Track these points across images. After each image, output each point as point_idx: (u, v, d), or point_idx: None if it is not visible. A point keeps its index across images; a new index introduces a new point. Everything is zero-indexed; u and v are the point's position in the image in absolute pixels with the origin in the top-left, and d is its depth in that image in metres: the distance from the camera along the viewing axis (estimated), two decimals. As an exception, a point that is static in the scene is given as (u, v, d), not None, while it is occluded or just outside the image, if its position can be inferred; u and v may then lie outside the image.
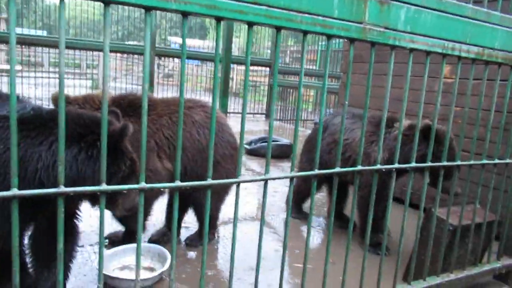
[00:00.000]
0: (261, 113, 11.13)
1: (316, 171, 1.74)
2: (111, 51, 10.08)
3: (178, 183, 1.45)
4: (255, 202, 4.37)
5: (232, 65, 12.20)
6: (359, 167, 1.84)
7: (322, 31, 1.57)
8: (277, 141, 6.61)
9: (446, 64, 2.02)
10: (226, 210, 3.85)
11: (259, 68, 11.83)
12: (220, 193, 3.00)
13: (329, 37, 1.62)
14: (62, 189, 1.22)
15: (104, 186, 1.29)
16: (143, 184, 1.38)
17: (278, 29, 1.50)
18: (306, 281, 1.77)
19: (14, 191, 1.15)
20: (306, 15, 1.52)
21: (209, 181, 1.51)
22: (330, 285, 1.96)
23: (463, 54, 1.97)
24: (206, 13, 1.33)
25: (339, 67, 10.16)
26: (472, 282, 2.57)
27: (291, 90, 10.57)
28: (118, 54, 11.79)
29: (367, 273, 1.96)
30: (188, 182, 1.50)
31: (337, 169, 1.80)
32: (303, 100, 11.23)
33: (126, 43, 12.76)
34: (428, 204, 2.53)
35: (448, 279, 2.34)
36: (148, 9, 1.25)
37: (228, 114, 6.83)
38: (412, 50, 1.82)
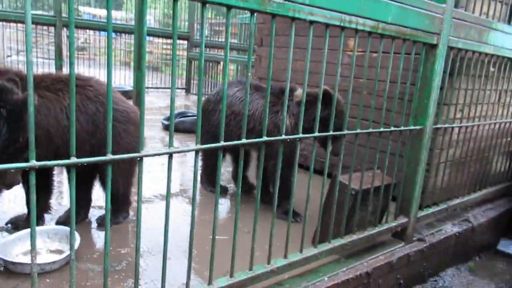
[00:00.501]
0: (181, 88, 10.89)
1: (222, 143, 1.76)
2: (12, 21, 9.18)
3: (74, 159, 1.38)
4: (173, 177, 4.32)
5: (150, 38, 11.73)
6: (265, 138, 1.89)
7: (220, 1, 1.56)
8: (195, 116, 6.55)
9: (351, 37, 2.12)
10: (147, 187, 3.78)
11: (178, 41, 11.48)
12: (127, 168, 2.91)
13: (229, 8, 1.62)
14: None
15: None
16: (33, 162, 1.29)
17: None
18: (216, 252, 1.81)
19: None
20: (205, -16, 1.49)
21: (109, 157, 1.46)
22: (242, 253, 2.02)
23: (360, 27, 2.07)
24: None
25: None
26: (373, 241, 2.80)
27: (212, 64, 10.45)
28: (20, 25, 10.73)
29: (278, 240, 2.05)
30: (87, 158, 1.44)
31: (244, 141, 1.83)
32: (223, 74, 11.17)
33: (32, 12, 11.65)
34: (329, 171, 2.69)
35: (350, 240, 2.53)
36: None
37: (146, 90, 6.58)
38: (311, 22, 1.88)
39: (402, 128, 2.65)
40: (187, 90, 10.76)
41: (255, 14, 1.74)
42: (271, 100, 3.15)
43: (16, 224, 2.80)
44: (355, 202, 2.54)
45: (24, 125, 1.95)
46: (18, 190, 2.52)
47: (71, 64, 1.33)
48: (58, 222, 2.85)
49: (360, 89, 3.67)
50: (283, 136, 1.98)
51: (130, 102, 3.05)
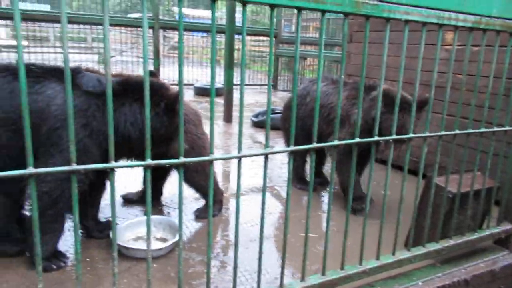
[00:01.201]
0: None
1: (315, 144, 1.81)
2: (114, 24, 10.08)
3: (182, 159, 1.52)
4: (260, 172, 4.46)
5: (237, 36, 12.10)
6: (358, 140, 1.89)
7: (316, 7, 1.59)
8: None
9: (449, 31, 2.03)
10: (233, 184, 3.96)
11: (265, 38, 11.69)
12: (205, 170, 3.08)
13: (323, 12, 1.65)
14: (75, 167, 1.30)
15: (112, 163, 1.36)
16: (149, 161, 1.45)
17: (272, 6, 1.54)
18: (308, 250, 1.87)
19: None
20: (300, -9, 1.54)
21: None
22: (332, 252, 2.05)
23: (460, 24, 1.97)
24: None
25: (346, 35, 10.01)
26: (471, 247, 2.65)
27: (299, 60, 10.50)
28: (123, 27, 11.71)
29: (368, 240, 2.05)
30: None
31: (335, 142, 1.85)
32: (310, 70, 11.15)
33: (129, 16, 12.67)
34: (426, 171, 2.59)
35: (447, 245, 2.42)
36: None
37: (235, 87, 6.84)
38: (407, 21, 1.84)
39: (508, 128, 2.46)
40: (274, 86, 10.92)
41: (348, 17, 1.75)
42: (351, 94, 3.35)
43: (127, 199, 3.33)
44: (452, 206, 2.43)
45: (174, 116, 2.45)
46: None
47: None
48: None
49: (458, 86, 3.47)
50: (376, 138, 1.96)
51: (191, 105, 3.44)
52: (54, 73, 2.31)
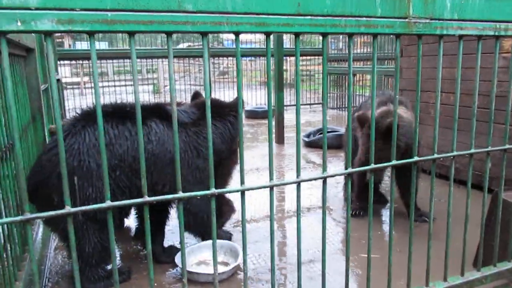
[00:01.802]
0: (318, 103, 11.09)
1: (372, 166, 1.80)
2: (165, 56, 10.58)
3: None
4: (318, 195, 4.44)
5: (285, 57, 12.28)
6: (417, 158, 1.88)
7: (367, 31, 1.63)
8: (335, 131, 6.61)
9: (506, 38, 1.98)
10: (289, 205, 3.99)
11: (313, 57, 11.75)
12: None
13: (374, 35, 1.68)
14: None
15: (180, 194, 1.45)
16: (213, 190, 1.52)
17: (323, 35, 1.59)
18: (371, 271, 1.85)
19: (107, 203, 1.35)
20: (350, 18, 1.58)
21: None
22: (397, 273, 2.01)
23: (518, 34, 1.92)
24: (255, 30, 1.45)
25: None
26: (548, 264, 2.49)
27: (347, 77, 10.44)
28: (175, 58, 12.26)
29: (432, 261, 1.99)
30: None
31: (394, 162, 1.85)
32: (360, 85, 11.03)
33: (180, 45, 13.25)
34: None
35: (520, 263, 2.29)
36: (204, 34, 1.40)
37: (286, 108, 6.93)
38: (461, 36, 1.82)
39: None
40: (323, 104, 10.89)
41: (400, 38, 1.76)
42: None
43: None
44: (523, 222, 2.30)
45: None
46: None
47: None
48: None
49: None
50: (435, 155, 1.93)
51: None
52: (152, 112, 2.64)
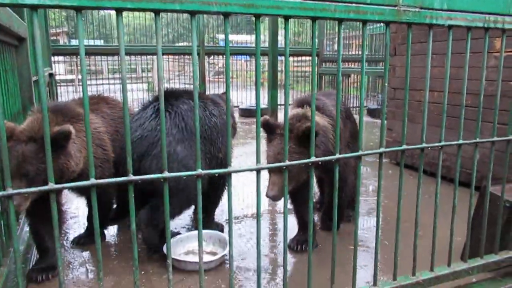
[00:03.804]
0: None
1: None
2: (163, 53, 10.57)
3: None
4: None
5: (280, 57, 12.30)
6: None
7: (357, 17, 1.63)
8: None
9: (497, 37, 1.99)
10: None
11: (307, 57, 11.77)
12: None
13: (364, 22, 1.68)
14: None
15: (166, 173, 1.44)
16: (199, 171, 1.51)
17: (313, 19, 1.59)
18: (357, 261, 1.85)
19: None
20: (340, 3, 1.59)
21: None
22: (383, 263, 2.02)
23: (507, 26, 1.94)
24: (245, 12, 1.45)
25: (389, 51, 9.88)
26: (535, 259, 2.50)
27: (342, 77, 10.46)
28: (170, 56, 12.25)
29: (420, 252, 2.00)
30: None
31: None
32: (355, 87, 11.07)
33: (177, 44, 13.24)
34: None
35: (507, 256, 2.30)
36: (193, 13, 1.39)
37: (279, 107, 6.94)
38: (450, 27, 1.83)
39: None
40: (318, 105, 10.90)
41: (390, 25, 1.77)
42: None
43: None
44: (510, 216, 2.32)
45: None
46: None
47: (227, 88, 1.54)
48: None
49: (510, 93, 3.34)
50: (424, 145, 1.93)
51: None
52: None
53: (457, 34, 1.88)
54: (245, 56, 13.80)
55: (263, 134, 2.64)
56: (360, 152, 1.76)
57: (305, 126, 2.51)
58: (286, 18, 1.55)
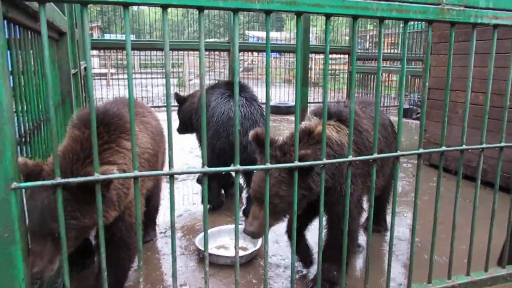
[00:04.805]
0: (342, 102, 11.01)
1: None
2: (191, 49, 10.70)
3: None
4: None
5: (310, 55, 12.21)
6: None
7: (399, 16, 1.61)
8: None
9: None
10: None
11: (338, 55, 11.67)
12: None
13: (406, 21, 1.66)
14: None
15: (206, 168, 1.47)
16: (238, 166, 1.53)
17: (354, 18, 1.58)
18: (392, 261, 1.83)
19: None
20: (382, 2, 1.57)
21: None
22: (418, 265, 1.99)
23: (556, 26, 1.86)
24: (287, 10, 1.46)
25: (422, 49, 9.67)
26: None
27: (372, 76, 10.30)
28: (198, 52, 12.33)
29: (457, 256, 1.96)
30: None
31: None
32: (385, 86, 10.90)
33: (207, 40, 13.35)
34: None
35: (547, 263, 2.23)
36: (235, 11, 1.41)
37: (309, 105, 6.92)
38: (496, 26, 1.78)
39: None
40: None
41: (432, 24, 1.74)
42: None
43: None
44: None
45: None
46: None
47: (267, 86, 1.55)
48: None
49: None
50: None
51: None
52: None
53: (500, 32, 1.81)
54: (273, 53, 13.78)
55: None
56: (398, 153, 1.74)
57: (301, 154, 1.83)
58: (327, 16, 1.55)
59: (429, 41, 1.76)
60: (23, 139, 2.22)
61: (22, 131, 2.17)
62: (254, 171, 2.31)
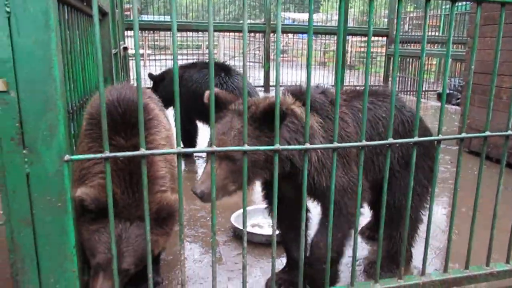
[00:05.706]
0: (378, 86, 10.78)
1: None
2: (227, 30, 10.71)
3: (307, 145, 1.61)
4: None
5: (347, 37, 11.97)
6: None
7: (446, -4, 1.57)
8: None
9: None
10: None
11: (376, 38, 11.38)
12: None
13: (454, 1, 1.61)
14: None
15: (246, 147, 1.50)
16: (277, 146, 1.54)
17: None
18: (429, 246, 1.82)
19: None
20: (430, -19, 1.53)
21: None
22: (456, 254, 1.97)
23: None
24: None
25: (465, 32, 9.28)
26: None
27: (411, 60, 10.00)
28: (232, 34, 12.33)
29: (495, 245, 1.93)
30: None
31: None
32: (424, 70, 10.57)
33: (241, 22, 13.31)
34: None
35: None
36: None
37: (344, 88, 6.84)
38: (550, 7, 1.70)
39: None
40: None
41: (481, 5, 1.68)
42: None
43: None
44: None
45: None
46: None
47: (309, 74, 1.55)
48: None
49: None
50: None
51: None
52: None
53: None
54: (306, 35, 13.56)
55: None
56: (440, 137, 1.72)
57: (268, 102, 1.79)
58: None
59: (477, 23, 1.71)
60: (71, 116, 2.33)
61: (70, 109, 2.28)
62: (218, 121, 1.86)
